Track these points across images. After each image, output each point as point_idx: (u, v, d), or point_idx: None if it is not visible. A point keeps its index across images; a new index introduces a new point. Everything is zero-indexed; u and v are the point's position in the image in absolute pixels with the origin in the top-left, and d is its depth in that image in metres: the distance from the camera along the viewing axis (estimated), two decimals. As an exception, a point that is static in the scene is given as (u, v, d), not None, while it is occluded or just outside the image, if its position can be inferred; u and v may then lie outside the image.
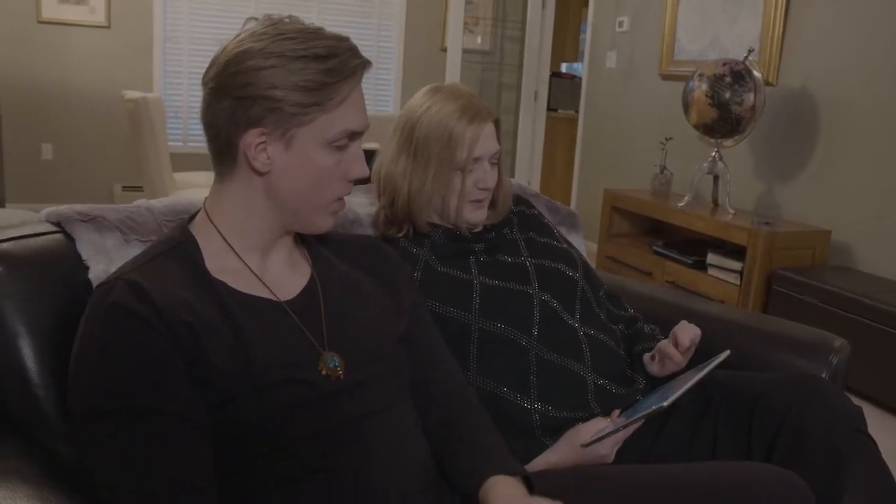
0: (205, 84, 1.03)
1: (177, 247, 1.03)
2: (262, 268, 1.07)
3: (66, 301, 1.13)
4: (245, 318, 0.99)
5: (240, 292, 1.02)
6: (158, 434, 0.90)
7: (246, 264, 1.05)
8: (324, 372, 1.01)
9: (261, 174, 1.01)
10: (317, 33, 1.01)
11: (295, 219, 1.06)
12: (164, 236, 1.06)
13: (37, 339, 1.09)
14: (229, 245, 1.05)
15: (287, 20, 1.03)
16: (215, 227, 1.05)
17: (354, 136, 1.04)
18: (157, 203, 1.34)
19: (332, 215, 1.09)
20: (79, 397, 0.93)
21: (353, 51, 1.02)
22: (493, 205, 1.54)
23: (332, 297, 1.10)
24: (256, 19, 1.04)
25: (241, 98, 0.97)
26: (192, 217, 1.10)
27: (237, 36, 1.03)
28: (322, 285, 1.11)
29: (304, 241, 1.17)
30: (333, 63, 0.99)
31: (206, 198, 1.10)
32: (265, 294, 1.04)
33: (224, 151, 1.02)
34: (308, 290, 1.09)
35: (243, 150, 1.00)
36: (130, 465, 0.89)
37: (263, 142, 0.99)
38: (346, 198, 1.11)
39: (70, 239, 1.19)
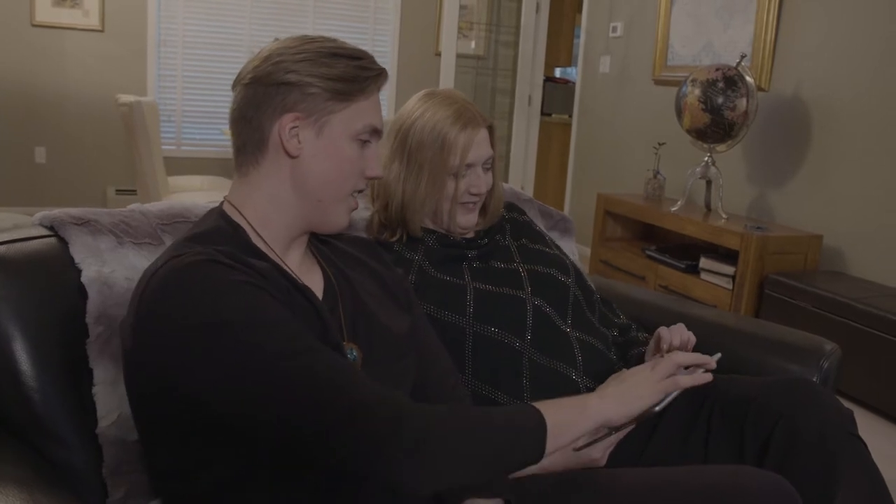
0: (239, 81, 1.08)
1: (230, 236, 1.04)
2: (286, 262, 1.10)
3: (60, 304, 1.13)
4: (309, 298, 1.02)
5: (291, 276, 1.04)
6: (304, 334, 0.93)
7: (278, 255, 1.07)
8: None
9: (291, 157, 1.05)
10: (341, 41, 1.10)
11: (316, 210, 1.09)
12: (206, 227, 1.05)
13: (31, 342, 1.09)
14: (260, 236, 1.07)
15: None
16: (245, 218, 1.07)
17: (375, 133, 1.11)
18: (152, 207, 1.35)
19: (348, 213, 1.13)
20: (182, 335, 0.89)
21: (374, 58, 1.11)
22: (483, 210, 1.55)
23: (347, 298, 1.13)
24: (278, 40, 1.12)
25: (280, 84, 1.03)
26: (217, 210, 1.11)
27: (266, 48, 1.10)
28: (337, 285, 1.14)
29: (310, 244, 1.19)
30: (363, 63, 1.07)
31: (226, 196, 1.11)
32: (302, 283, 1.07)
33: (255, 139, 1.06)
34: (328, 289, 1.12)
35: (277, 134, 1.04)
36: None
37: (296, 126, 1.04)
38: None
39: (63, 243, 1.19)
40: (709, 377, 1.15)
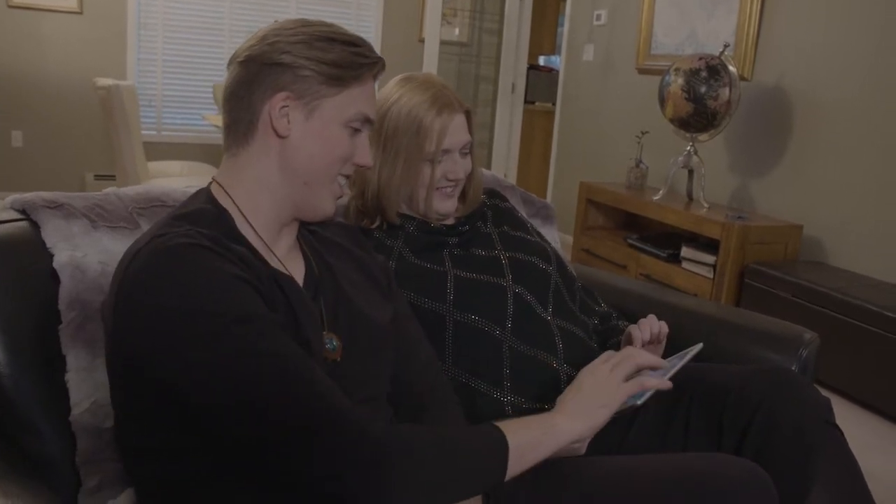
0: (234, 59, 1.07)
1: (215, 220, 1.02)
2: (274, 249, 1.08)
3: (32, 289, 1.12)
4: (285, 290, 1.01)
5: (271, 266, 1.02)
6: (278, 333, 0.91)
7: (264, 241, 1.06)
8: (322, 353, 1.03)
9: (279, 137, 1.04)
10: (340, 27, 1.09)
11: (302, 194, 1.07)
12: (192, 209, 1.03)
13: (2, 328, 1.07)
14: (247, 220, 1.05)
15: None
16: (233, 201, 1.05)
17: (366, 122, 1.10)
18: (128, 191, 1.33)
19: (334, 200, 1.12)
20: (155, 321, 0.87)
21: (372, 47, 1.10)
22: (462, 196, 1.54)
23: (329, 287, 1.12)
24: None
25: (273, 64, 1.03)
26: (205, 192, 1.09)
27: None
28: (319, 274, 1.13)
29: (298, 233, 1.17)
30: (359, 50, 1.07)
31: (215, 176, 1.09)
32: (285, 272, 1.05)
33: (245, 118, 1.05)
34: (310, 278, 1.11)
35: (267, 113, 1.03)
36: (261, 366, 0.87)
37: (287, 106, 1.03)
38: None
39: (35, 227, 1.17)
40: (669, 384, 1.12)
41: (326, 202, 1.10)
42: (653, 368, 1.17)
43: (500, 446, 0.97)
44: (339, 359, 1.06)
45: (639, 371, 1.16)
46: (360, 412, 0.90)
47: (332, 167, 1.08)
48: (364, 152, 1.11)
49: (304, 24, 1.07)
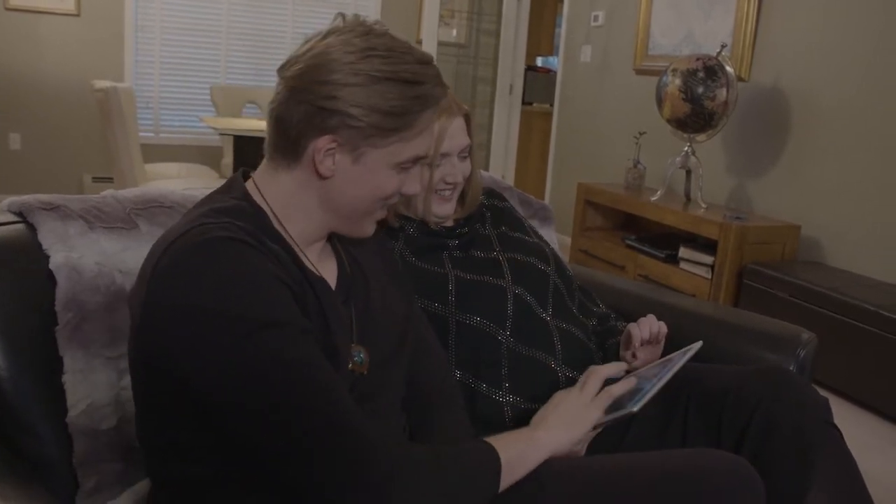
0: (283, 77, 1.00)
1: (252, 217, 0.99)
2: (307, 251, 1.06)
3: (29, 291, 1.11)
4: (317, 293, 0.99)
5: (306, 268, 1.00)
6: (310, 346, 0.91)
7: (297, 243, 1.03)
8: (349, 365, 1.02)
9: (322, 177, 1.00)
10: (406, 53, 1.00)
11: (344, 223, 1.05)
12: (229, 204, 0.99)
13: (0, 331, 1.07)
14: (281, 224, 1.02)
15: (377, 27, 1.01)
16: (269, 205, 1.02)
17: (420, 160, 1.05)
18: (127, 193, 1.33)
19: (374, 223, 1.09)
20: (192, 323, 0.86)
21: (438, 77, 1.02)
22: (461, 198, 1.53)
23: (361, 293, 1.11)
24: (344, 16, 1.03)
25: (321, 108, 0.96)
26: (239, 187, 1.05)
27: (325, 36, 1.00)
28: (351, 273, 1.12)
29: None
30: (420, 90, 0.99)
31: (253, 173, 1.05)
32: (318, 274, 1.03)
33: (290, 148, 1.00)
34: (342, 281, 1.09)
35: (311, 152, 0.98)
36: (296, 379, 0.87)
37: (333, 148, 0.98)
38: None
39: (32, 229, 1.17)
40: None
41: (366, 227, 1.08)
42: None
43: (495, 464, 0.99)
44: (365, 372, 1.04)
45: (614, 381, 1.21)
46: (375, 428, 0.90)
47: (376, 204, 1.05)
48: (413, 182, 1.06)
49: (367, 52, 0.97)
